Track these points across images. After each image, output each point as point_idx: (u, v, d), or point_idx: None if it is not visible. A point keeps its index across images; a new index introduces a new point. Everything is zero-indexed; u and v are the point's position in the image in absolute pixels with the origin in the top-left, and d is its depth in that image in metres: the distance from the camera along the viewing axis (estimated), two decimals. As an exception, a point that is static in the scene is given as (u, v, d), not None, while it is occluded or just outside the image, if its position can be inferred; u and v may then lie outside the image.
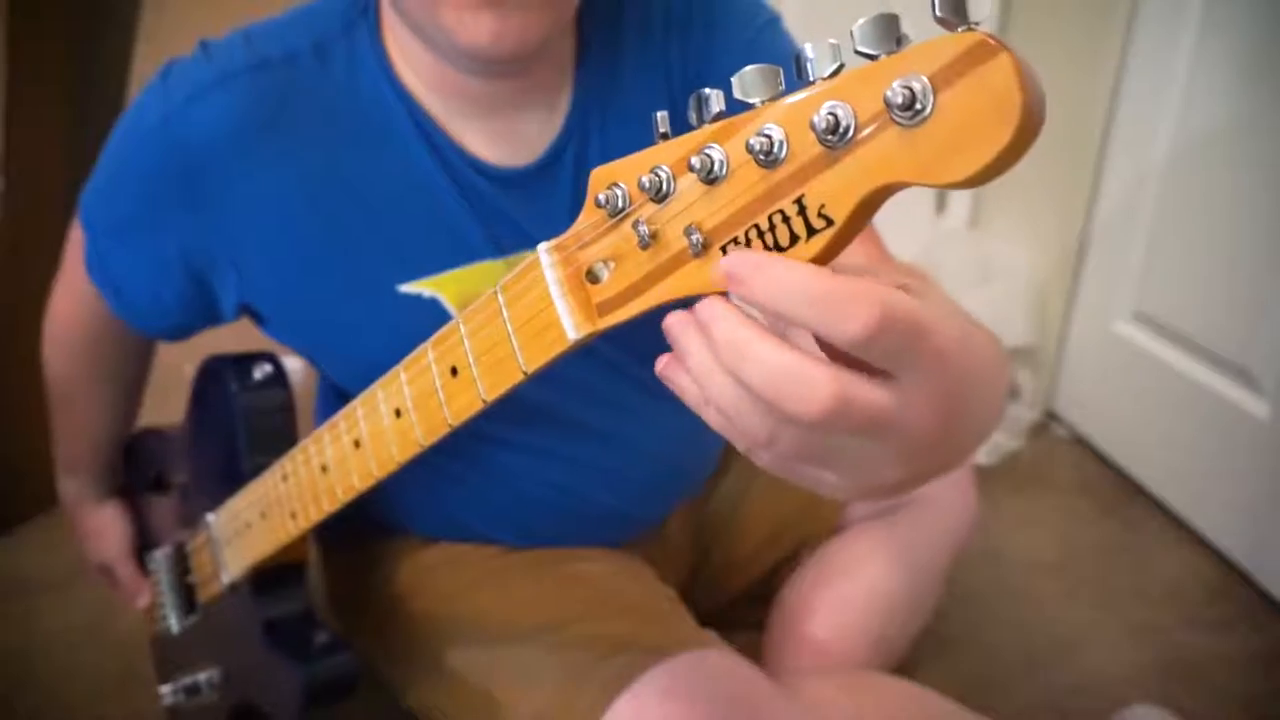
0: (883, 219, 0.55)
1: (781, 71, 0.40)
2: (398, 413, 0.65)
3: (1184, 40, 1.68)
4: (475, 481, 0.97)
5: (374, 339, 0.87)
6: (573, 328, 0.50)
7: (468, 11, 0.71)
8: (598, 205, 0.47)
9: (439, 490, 0.98)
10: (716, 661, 0.86)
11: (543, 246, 0.51)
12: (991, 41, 0.33)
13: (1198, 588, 1.58)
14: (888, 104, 0.35)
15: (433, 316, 0.86)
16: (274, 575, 0.90)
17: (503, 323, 0.54)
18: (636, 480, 1.01)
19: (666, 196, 0.44)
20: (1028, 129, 0.33)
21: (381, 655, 1.03)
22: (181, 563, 1.02)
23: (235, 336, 0.99)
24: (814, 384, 0.39)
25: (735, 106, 0.41)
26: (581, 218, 0.49)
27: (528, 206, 0.87)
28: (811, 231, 0.39)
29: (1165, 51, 1.72)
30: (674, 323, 0.44)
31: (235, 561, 0.89)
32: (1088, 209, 1.93)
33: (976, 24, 0.34)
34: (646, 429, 0.99)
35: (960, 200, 2.07)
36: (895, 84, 0.35)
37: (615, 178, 0.46)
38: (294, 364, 1.00)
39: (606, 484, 0.99)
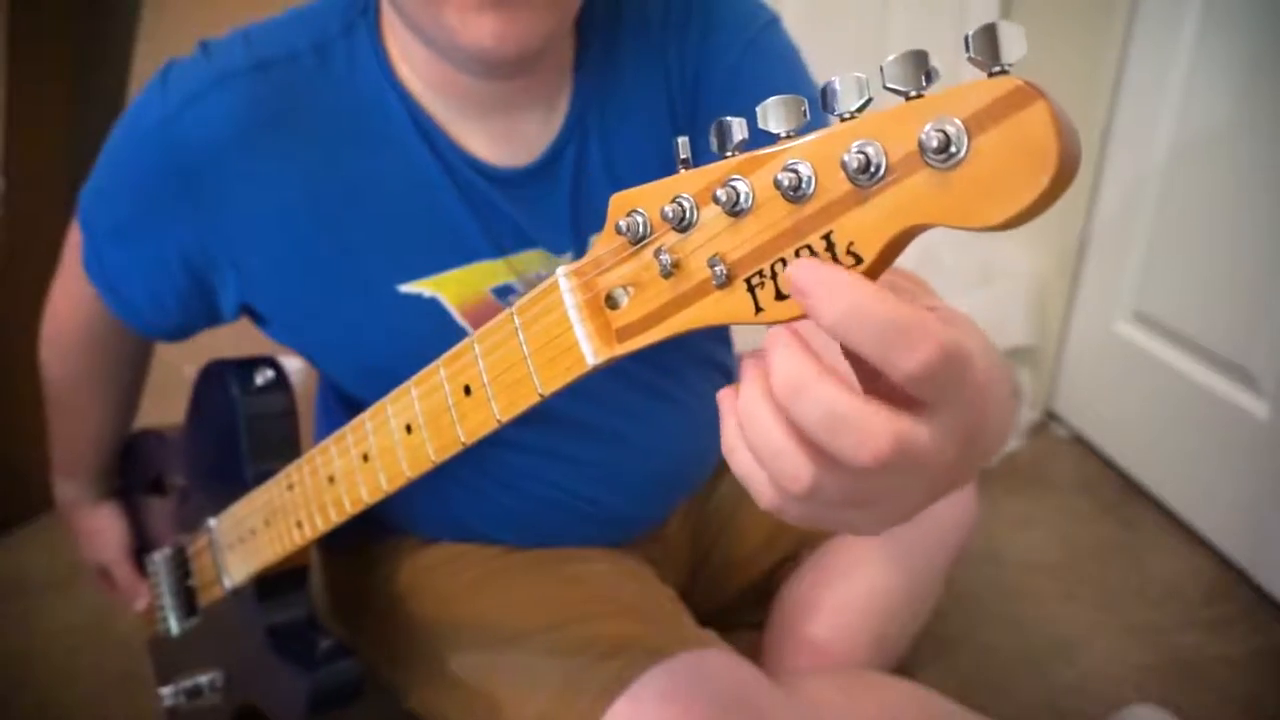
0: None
1: (805, 102, 0.40)
2: (408, 428, 0.64)
3: (1184, 40, 1.68)
4: (476, 482, 0.97)
5: (374, 339, 0.87)
6: (591, 353, 0.49)
7: (471, 12, 0.71)
8: (618, 231, 0.47)
9: (440, 491, 0.98)
10: (716, 662, 0.86)
11: (561, 271, 0.50)
12: (1029, 88, 0.33)
13: (1197, 587, 1.58)
14: (921, 146, 0.35)
15: (433, 316, 0.86)
16: (277, 580, 0.90)
17: (519, 344, 0.54)
18: (638, 480, 1.01)
19: (689, 226, 0.44)
20: (1063, 176, 0.33)
21: (382, 657, 1.03)
22: (181, 566, 1.02)
23: (236, 337, 0.98)
24: (873, 429, 0.38)
25: (758, 135, 0.41)
26: (601, 243, 0.49)
27: (527, 206, 0.87)
28: None
29: (1165, 51, 1.72)
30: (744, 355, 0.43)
31: (238, 567, 0.89)
32: (1088, 209, 1.93)
33: (1010, 66, 0.34)
34: (648, 429, 0.99)
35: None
36: (929, 126, 0.35)
37: (636, 204, 0.46)
38: (294, 364, 1.00)
39: (608, 484, 0.99)
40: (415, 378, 0.63)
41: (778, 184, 0.39)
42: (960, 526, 1.21)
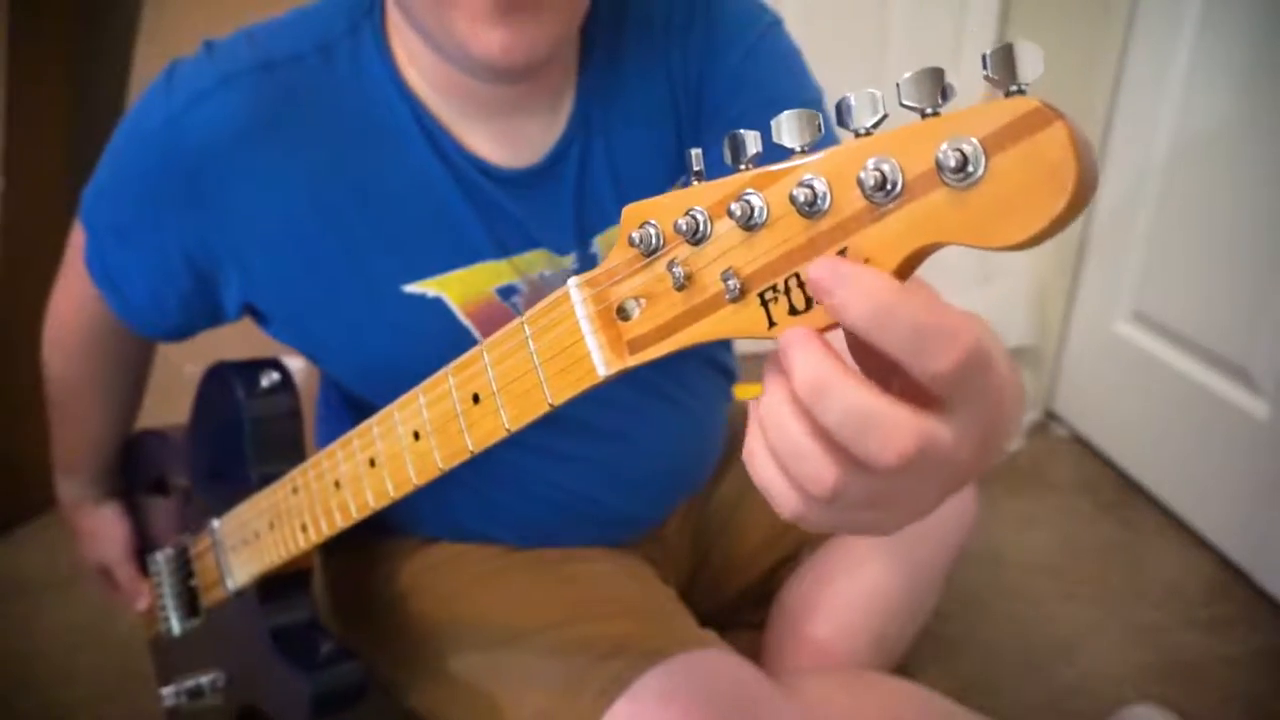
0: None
1: (820, 117, 0.40)
2: (416, 435, 0.64)
3: (1183, 39, 1.68)
4: (476, 481, 0.97)
5: (378, 338, 0.87)
6: (603, 364, 0.50)
7: (480, 24, 0.71)
8: (631, 243, 0.47)
9: (440, 490, 0.97)
10: (716, 662, 0.86)
11: (573, 282, 0.50)
12: (1047, 110, 0.33)
13: (1197, 587, 1.59)
14: (939, 165, 0.35)
15: (437, 316, 0.86)
16: (280, 582, 0.90)
17: (529, 355, 0.54)
18: (639, 479, 1.01)
19: (703, 239, 0.44)
20: (1080, 198, 0.33)
21: (382, 656, 1.03)
22: (184, 566, 1.02)
23: (237, 337, 0.98)
24: (898, 427, 0.38)
25: (771, 149, 0.41)
26: (614, 254, 0.49)
27: (531, 206, 0.87)
28: None
29: (1164, 51, 1.72)
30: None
31: (242, 570, 0.89)
32: (1088, 209, 1.93)
33: (1027, 85, 0.34)
34: (648, 428, 0.99)
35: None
36: (946, 145, 0.35)
37: (649, 216, 0.46)
38: (295, 364, 1.00)
39: (609, 483, 0.99)
40: (423, 385, 0.63)
41: (793, 199, 0.39)
42: (960, 526, 1.21)
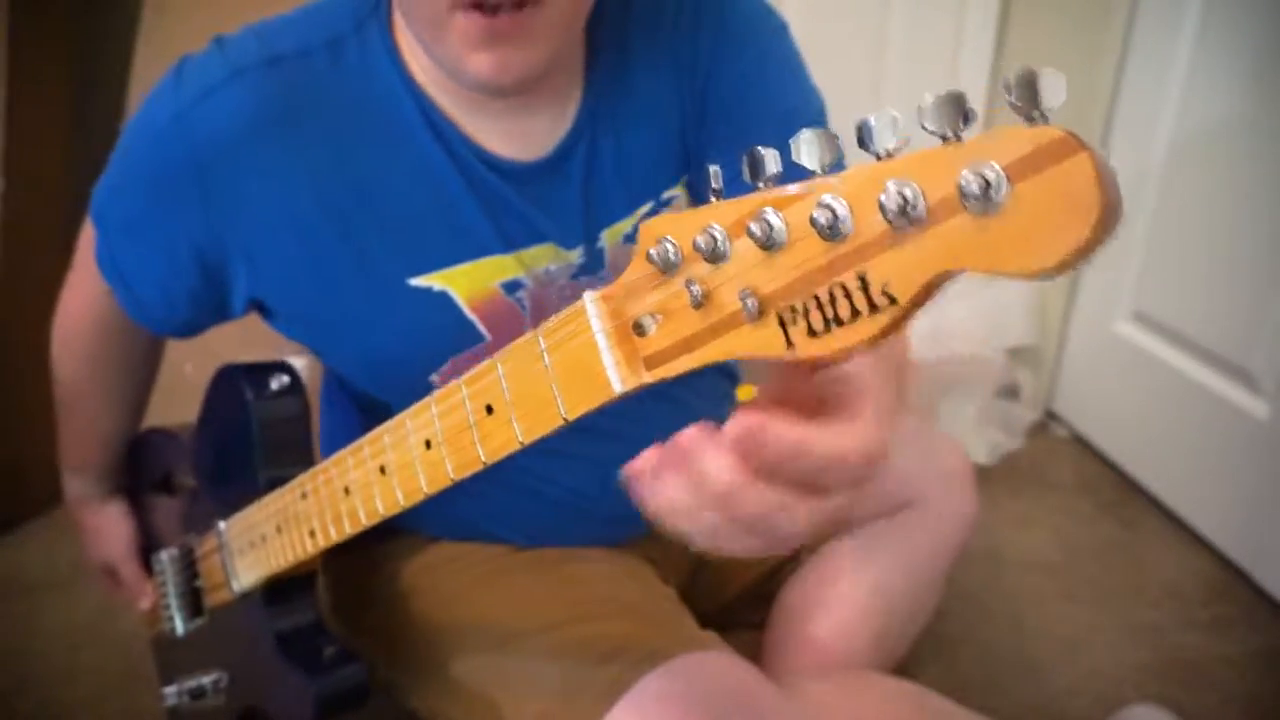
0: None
1: (839, 138, 0.40)
2: (428, 444, 0.64)
3: (1184, 39, 1.68)
4: (481, 481, 0.97)
5: (384, 332, 0.87)
6: (619, 380, 0.50)
7: (471, 48, 0.72)
8: (648, 260, 0.46)
9: (445, 490, 0.98)
10: (716, 663, 0.87)
11: (589, 296, 0.50)
12: (1072, 139, 0.33)
13: (1196, 587, 1.59)
14: (961, 191, 0.35)
15: (442, 310, 0.86)
16: (285, 585, 0.90)
17: (544, 368, 0.54)
18: (638, 478, 1.01)
19: (721, 258, 0.44)
20: (1104, 228, 0.33)
21: (383, 657, 1.03)
22: (189, 566, 1.02)
23: (238, 336, 0.98)
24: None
25: (790, 168, 0.41)
26: (631, 269, 0.49)
27: (538, 201, 0.87)
28: (874, 309, 0.39)
29: (1165, 50, 1.72)
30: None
31: (248, 572, 0.89)
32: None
33: (1051, 111, 0.34)
34: (648, 427, 0.98)
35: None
36: (968, 171, 0.34)
37: (666, 232, 0.46)
38: (298, 362, 1.00)
39: (610, 482, 0.99)
40: (436, 395, 0.63)
41: (814, 221, 0.39)
42: (960, 526, 1.21)
